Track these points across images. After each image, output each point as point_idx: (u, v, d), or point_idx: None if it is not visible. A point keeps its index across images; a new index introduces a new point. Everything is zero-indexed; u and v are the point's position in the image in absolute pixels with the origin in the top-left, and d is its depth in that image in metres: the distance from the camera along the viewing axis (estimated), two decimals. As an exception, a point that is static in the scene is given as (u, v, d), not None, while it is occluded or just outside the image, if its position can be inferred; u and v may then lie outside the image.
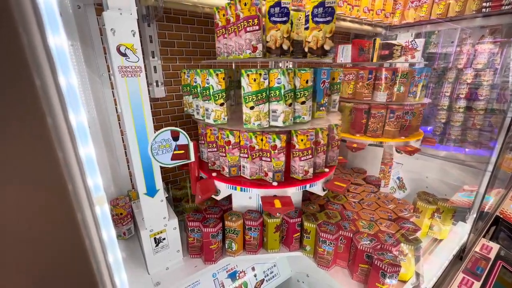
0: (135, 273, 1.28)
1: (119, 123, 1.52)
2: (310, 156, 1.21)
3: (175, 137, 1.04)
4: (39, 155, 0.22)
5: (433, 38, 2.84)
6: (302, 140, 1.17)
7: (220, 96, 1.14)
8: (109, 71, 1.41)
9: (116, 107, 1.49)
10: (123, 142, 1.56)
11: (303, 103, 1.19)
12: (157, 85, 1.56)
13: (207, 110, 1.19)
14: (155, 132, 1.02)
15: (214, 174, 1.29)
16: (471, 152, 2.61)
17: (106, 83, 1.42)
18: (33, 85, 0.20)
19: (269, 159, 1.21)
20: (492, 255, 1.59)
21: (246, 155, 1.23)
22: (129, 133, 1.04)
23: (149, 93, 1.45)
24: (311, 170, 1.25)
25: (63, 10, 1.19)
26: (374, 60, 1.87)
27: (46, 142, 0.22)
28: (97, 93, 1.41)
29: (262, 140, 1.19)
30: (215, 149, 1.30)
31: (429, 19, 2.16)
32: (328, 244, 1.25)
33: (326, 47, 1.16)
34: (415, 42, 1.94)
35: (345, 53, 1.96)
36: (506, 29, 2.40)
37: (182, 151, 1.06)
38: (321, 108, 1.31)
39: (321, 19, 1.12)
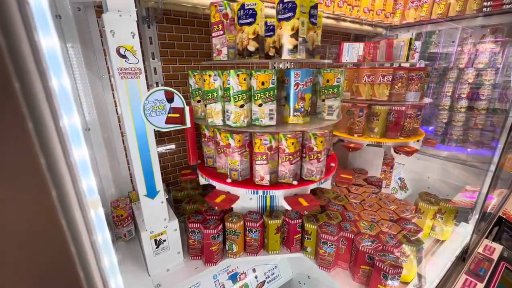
0: (135, 275, 1.28)
1: (119, 124, 1.52)
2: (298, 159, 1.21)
3: (170, 98, 0.99)
4: (17, 160, 0.22)
5: (434, 38, 2.83)
6: (292, 144, 1.17)
7: (240, 98, 1.13)
8: (109, 73, 1.41)
9: (116, 109, 1.49)
10: (123, 143, 1.56)
11: (260, 105, 1.15)
12: (158, 87, 1.55)
13: (227, 111, 1.19)
14: (156, 135, 1.02)
15: (229, 180, 1.28)
16: (473, 152, 2.60)
17: (106, 85, 1.42)
18: (11, 88, 0.20)
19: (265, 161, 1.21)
20: (495, 256, 1.58)
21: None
22: (129, 134, 1.04)
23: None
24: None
25: (62, 12, 1.20)
26: (404, 59, 1.85)
27: (25, 147, 0.22)
28: (97, 95, 1.41)
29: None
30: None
31: (429, 19, 2.15)
32: (329, 246, 1.24)
33: (250, 48, 1.16)
34: (414, 44, 1.94)
35: (351, 52, 1.95)
36: (507, 29, 2.39)
37: (177, 115, 1.02)
38: (295, 114, 1.21)
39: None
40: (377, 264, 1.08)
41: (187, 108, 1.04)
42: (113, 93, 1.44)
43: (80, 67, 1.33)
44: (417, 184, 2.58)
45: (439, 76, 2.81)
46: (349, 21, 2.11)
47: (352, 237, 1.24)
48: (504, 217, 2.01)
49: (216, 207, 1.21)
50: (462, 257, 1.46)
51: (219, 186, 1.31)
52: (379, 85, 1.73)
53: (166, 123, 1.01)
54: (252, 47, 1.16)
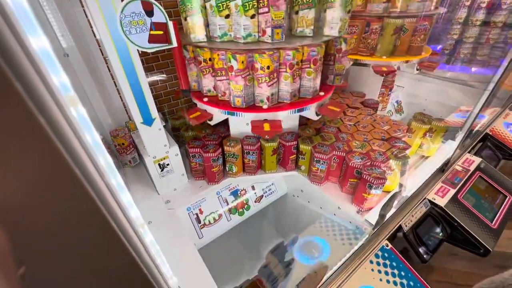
0: (146, 193, 1.42)
1: (100, 50, 1.39)
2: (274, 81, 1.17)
3: (149, 11, 0.87)
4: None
5: None
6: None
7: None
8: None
9: (93, 31, 1.33)
10: (109, 71, 1.47)
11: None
12: None
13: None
14: (142, 61, 0.93)
15: (205, 100, 1.27)
16: (477, 72, 2.50)
17: (75, 1, 1.22)
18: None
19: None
20: (472, 168, 1.71)
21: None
22: (112, 58, 0.96)
23: None
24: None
25: None
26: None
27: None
28: (68, 15, 1.23)
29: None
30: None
31: None
32: (322, 163, 1.33)
33: None
34: None
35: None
36: None
37: (161, 32, 0.91)
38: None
39: None
40: (364, 177, 1.19)
41: (170, 24, 0.91)
42: (84, 11, 1.25)
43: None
44: (413, 107, 2.59)
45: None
46: None
47: (344, 155, 1.32)
48: (491, 133, 2.11)
49: (191, 122, 1.25)
50: (442, 168, 1.60)
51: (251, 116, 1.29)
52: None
53: (149, 42, 0.91)
54: None
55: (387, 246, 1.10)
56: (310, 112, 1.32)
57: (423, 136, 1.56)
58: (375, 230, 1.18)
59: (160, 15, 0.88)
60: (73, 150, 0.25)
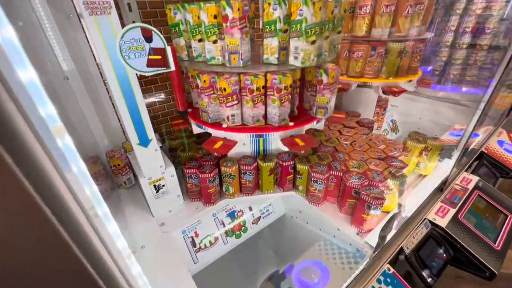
0: (141, 216, 1.38)
1: (100, 73, 1.42)
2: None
3: (148, 37, 0.91)
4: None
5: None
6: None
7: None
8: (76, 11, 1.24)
9: (93, 55, 1.37)
10: (108, 93, 1.49)
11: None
12: (130, 9, 1.38)
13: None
14: (141, 83, 0.95)
15: (224, 126, 1.27)
16: (468, 92, 2.58)
17: (77, 27, 1.27)
18: None
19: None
20: (470, 186, 1.70)
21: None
22: (111, 82, 0.98)
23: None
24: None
25: None
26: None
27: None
28: (69, 40, 1.27)
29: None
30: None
31: None
32: (319, 183, 1.32)
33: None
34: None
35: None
36: None
37: (159, 57, 0.95)
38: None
39: None
40: (362, 197, 1.17)
41: (168, 48, 0.95)
42: (85, 36, 1.30)
43: (43, 5, 1.16)
44: (408, 126, 2.63)
45: (445, 8, 2.58)
46: None
47: (341, 175, 1.31)
48: (486, 152, 2.12)
49: (216, 153, 1.24)
50: (441, 188, 1.59)
51: (215, 132, 1.32)
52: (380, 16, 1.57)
53: (148, 66, 0.93)
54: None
55: (389, 270, 1.06)
56: (275, 140, 1.36)
57: (419, 155, 1.57)
58: (376, 253, 1.14)
59: (158, 41, 0.91)
60: (45, 185, 0.25)
